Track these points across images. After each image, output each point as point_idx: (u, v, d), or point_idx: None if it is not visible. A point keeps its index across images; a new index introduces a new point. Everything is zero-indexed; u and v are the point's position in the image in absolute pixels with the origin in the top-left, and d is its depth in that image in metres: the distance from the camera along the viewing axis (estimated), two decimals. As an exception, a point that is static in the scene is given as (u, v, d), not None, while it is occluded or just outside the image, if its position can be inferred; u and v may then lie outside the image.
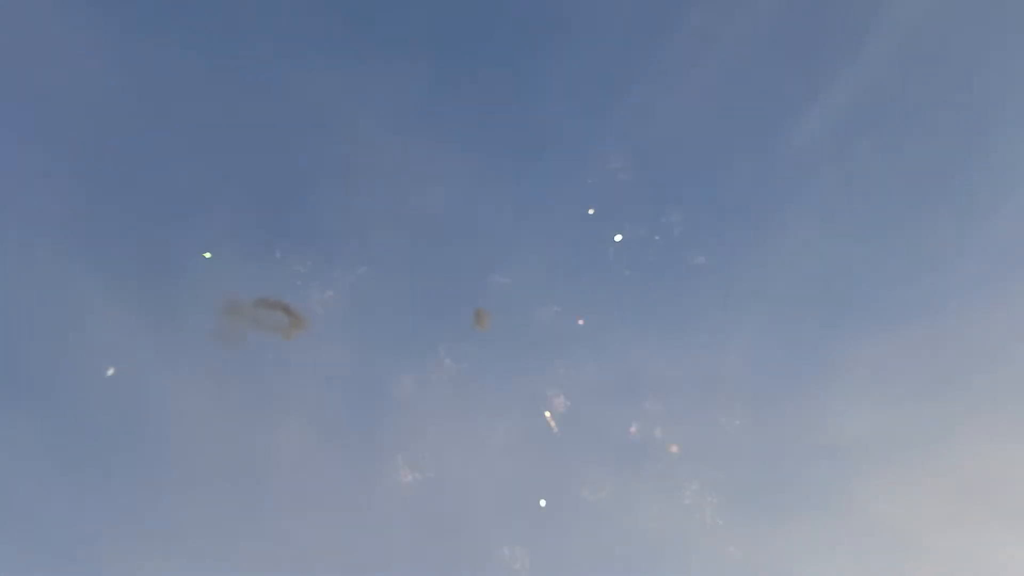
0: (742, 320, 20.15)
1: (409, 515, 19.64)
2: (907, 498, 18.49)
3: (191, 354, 17.48)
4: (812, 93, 19.70)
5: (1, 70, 17.35)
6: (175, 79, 18.35)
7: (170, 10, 17.98)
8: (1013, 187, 18.63)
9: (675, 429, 19.52)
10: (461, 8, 20.27)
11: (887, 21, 18.65)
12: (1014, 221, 18.47)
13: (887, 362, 18.94)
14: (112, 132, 18.90)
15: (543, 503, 19.03)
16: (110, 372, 15.91)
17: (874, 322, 19.47)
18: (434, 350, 19.43)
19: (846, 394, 19.18)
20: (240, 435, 19.26)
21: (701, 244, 20.23)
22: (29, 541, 17.83)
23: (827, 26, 19.69)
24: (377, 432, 20.26)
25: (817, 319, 19.93)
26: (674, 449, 19.09)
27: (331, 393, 20.22)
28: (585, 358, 20.17)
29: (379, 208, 20.88)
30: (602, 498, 19.02)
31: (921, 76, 19.14)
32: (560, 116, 21.18)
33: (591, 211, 19.67)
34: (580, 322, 18.92)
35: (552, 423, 18.39)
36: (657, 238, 20.14)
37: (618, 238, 19.92)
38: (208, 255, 16.15)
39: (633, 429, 19.66)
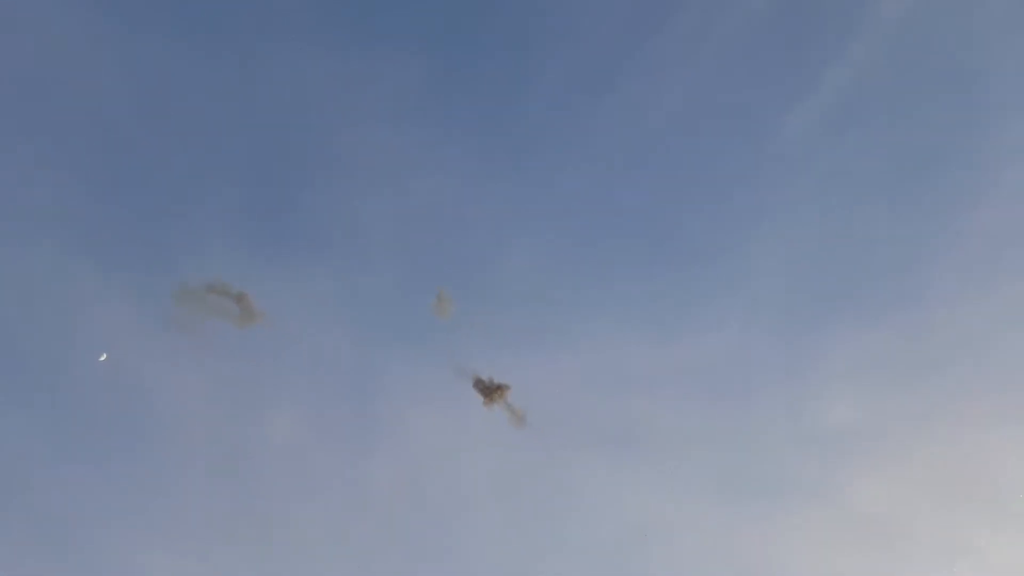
0: (727, 310, 20.42)
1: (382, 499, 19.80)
2: (889, 483, 18.87)
3: (173, 341, 17.60)
4: (799, 88, 19.94)
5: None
6: (171, 71, 18.43)
7: (168, 4, 18.06)
8: (996, 181, 18.97)
9: (660, 418, 19.74)
10: (457, 7, 20.43)
11: (873, 19, 18.92)
12: (995, 214, 18.82)
13: (871, 351, 19.29)
14: (111, 129, 18.94)
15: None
16: (102, 358, 16.15)
17: (858, 312, 19.80)
18: (424, 341, 19.60)
19: (830, 383, 19.51)
20: (221, 423, 19.45)
21: (688, 236, 20.44)
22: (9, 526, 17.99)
23: (815, 23, 19.91)
24: (361, 418, 20.47)
25: (801, 310, 20.23)
26: (659, 437, 19.43)
27: (319, 381, 20.40)
28: (569, 347, 20.38)
29: (372, 200, 21.02)
30: (587, 486, 19.31)
31: (907, 72, 19.42)
32: (553, 110, 21.35)
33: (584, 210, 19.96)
34: None
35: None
36: (646, 230, 20.35)
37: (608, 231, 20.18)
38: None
39: (617, 418, 19.92)
